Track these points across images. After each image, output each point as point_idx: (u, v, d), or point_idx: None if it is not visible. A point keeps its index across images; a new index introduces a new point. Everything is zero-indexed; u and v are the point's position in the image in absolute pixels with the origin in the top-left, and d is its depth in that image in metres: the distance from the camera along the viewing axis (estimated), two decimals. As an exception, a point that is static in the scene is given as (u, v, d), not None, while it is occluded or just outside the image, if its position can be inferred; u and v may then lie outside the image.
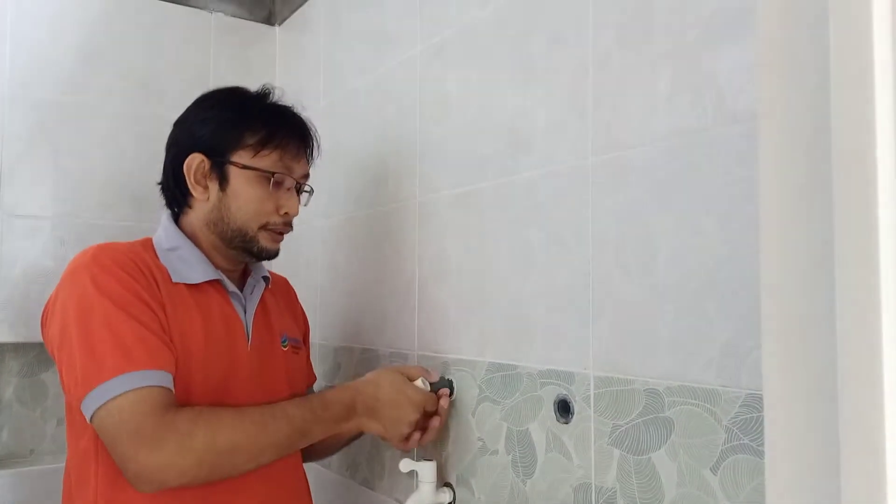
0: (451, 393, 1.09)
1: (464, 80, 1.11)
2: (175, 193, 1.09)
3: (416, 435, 1.07)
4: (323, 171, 1.56)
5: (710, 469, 0.72)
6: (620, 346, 0.82)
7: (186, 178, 1.05)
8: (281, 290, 1.24)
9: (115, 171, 1.60)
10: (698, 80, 0.75)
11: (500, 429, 1.00)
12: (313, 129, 1.13)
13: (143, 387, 0.87)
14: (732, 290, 0.71)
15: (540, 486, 0.92)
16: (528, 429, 0.95)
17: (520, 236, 0.98)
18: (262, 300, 1.13)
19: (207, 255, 1.06)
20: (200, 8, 1.74)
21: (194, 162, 1.04)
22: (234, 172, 1.04)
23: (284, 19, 1.81)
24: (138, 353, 0.89)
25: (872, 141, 0.36)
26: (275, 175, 1.05)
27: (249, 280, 1.13)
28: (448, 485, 1.10)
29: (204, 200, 1.05)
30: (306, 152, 1.11)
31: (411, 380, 1.06)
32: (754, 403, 0.68)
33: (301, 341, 1.21)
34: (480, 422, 1.04)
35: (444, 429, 1.11)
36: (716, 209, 0.73)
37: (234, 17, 1.79)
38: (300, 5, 1.72)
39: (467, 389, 1.07)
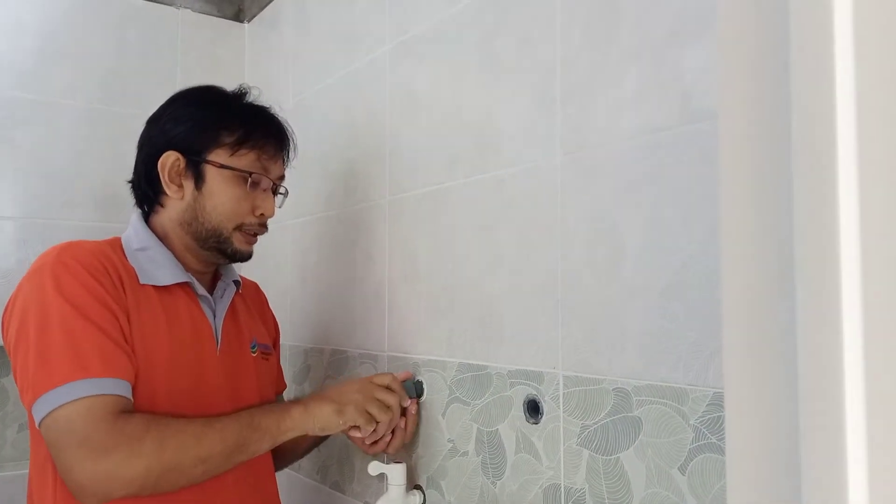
0: (421, 394, 1.08)
1: (433, 79, 1.10)
2: (147, 192, 1.06)
3: (387, 437, 1.06)
4: (292, 170, 1.54)
5: (679, 469, 0.72)
6: (589, 346, 0.82)
7: (160, 177, 1.02)
8: (251, 294, 1.22)
9: (78, 170, 1.57)
10: (664, 79, 0.75)
11: (470, 430, 0.99)
12: (290, 130, 1.11)
13: (95, 395, 0.84)
14: (700, 289, 0.71)
15: (510, 487, 0.92)
16: (497, 429, 0.94)
17: (489, 236, 0.98)
18: (231, 304, 1.10)
19: (178, 256, 1.04)
20: (167, 4, 1.71)
21: (169, 160, 1.01)
22: (210, 171, 1.01)
23: (253, 16, 1.78)
24: (93, 360, 0.86)
25: (833, 140, 0.36)
26: (252, 175, 1.03)
27: (220, 283, 1.10)
28: (418, 487, 1.09)
29: (178, 199, 1.03)
30: (283, 154, 1.10)
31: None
32: (721, 402, 0.68)
33: (271, 347, 1.19)
34: (450, 423, 1.03)
35: (415, 430, 1.10)
36: (682, 207, 0.73)
37: (202, 13, 1.76)
38: (269, 2, 1.69)
39: (437, 390, 1.06)
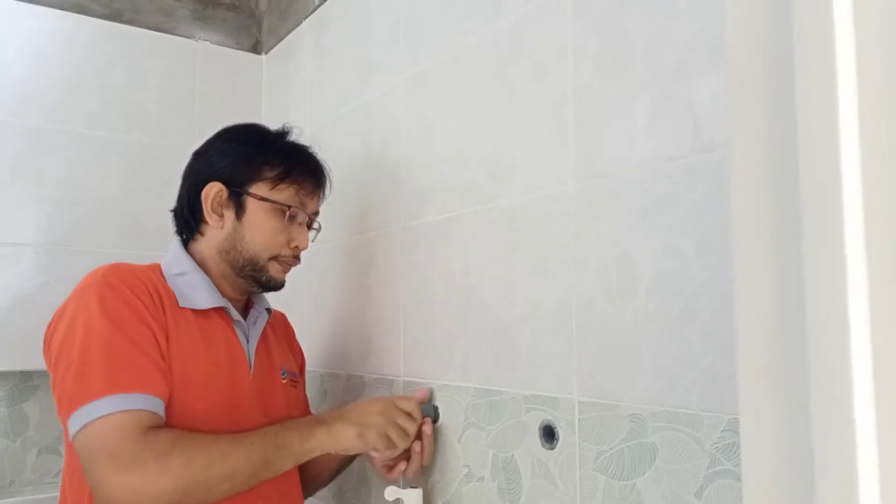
0: (436, 420, 1.09)
1: (446, 108, 1.13)
2: (189, 220, 1.10)
3: (402, 465, 1.06)
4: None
5: (695, 494, 0.72)
6: (604, 371, 0.83)
7: (203, 206, 1.06)
8: (280, 324, 1.25)
9: (99, 198, 1.60)
10: (676, 109, 0.77)
11: (486, 455, 1.00)
12: (328, 168, 1.16)
13: (127, 410, 0.87)
14: (714, 315, 0.72)
15: (526, 514, 0.92)
16: (513, 455, 0.95)
17: (503, 262, 0.99)
18: (263, 332, 1.14)
19: (215, 282, 1.08)
20: (186, 37, 1.75)
21: (212, 190, 1.06)
22: (251, 203, 1.06)
23: (271, 48, 1.82)
24: (129, 376, 0.89)
25: (838, 167, 0.37)
26: (290, 209, 1.07)
27: (252, 311, 1.14)
28: (434, 513, 1.09)
29: (218, 228, 1.07)
30: (320, 190, 1.15)
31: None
32: (737, 428, 0.68)
33: (298, 375, 1.22)
34: (466, 448, 1.04)
35: (433, 453, 1.10)
36: (695, 234, 0.74)
37: (221, 45, 1.80)
38: (286, 34, 1.73)
39: (453, 416, 1.07)
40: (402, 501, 1.07)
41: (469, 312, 1.05)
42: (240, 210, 1.06)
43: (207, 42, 1.78)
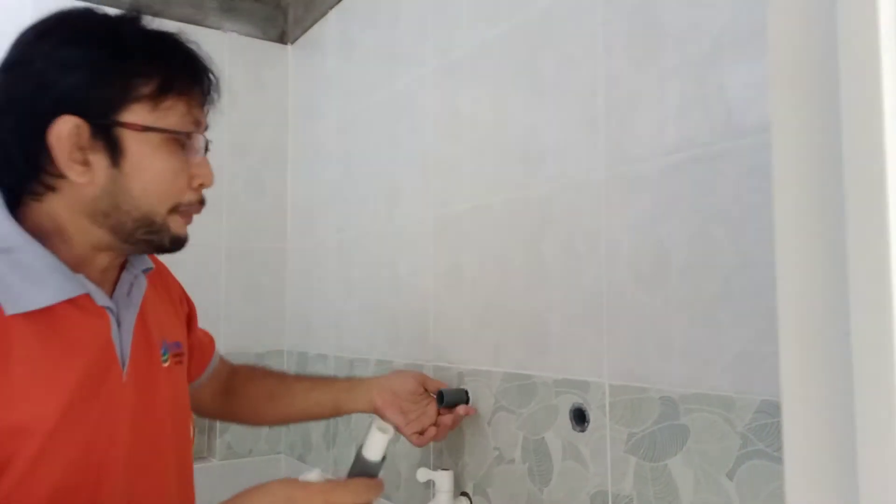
0: (467, 403, 1.11)
1: (475, 98, 1.14)
2: (22, 171, 0.72)
3: (432, 430, 1.07)
4: (337, 186, 1.58)
5: (727, 475, 0.73)
6: (635, 355, 0.84)
7: (55, 154, 0.69)
8: (157, 277, 0.90)
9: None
10: (707, 96, 0.77)
11: (516, 438, 1.01)
12: (210, 60, 0.81)
13: None
14: (745, 299, 0.73)
15: (556, 495, 0.94)
16: (543, 438, 0.96)
17: (534, 249, 1.00)
18: (141, 306, 0.81)
19: (73, 257, 0.73)
20: (214, 28, 1.77)
21: (65, 128, 0.69)
22: (129, 138, 0.72)
23: (297, 38, 1.84)
24: None
25: (881, 150, 0.38)
26: (187, 135, 0.76)
27: (124, 276, 0.80)
28: (465, 494, 1.11)
29: (85, 183, 0.71)
30: (210, 97, 0.81)
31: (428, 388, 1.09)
32: (769, 410, 0.69)
33: (182, 344, 0.89)
34: (496, 431, 1.06)
35: (461, 438, 1.12)
36: (727, 220, 0.75)
37: (248, 36, 1.82)
38: (312, 24, 1.75)
39: (483, 399, 1.08)
40: (434, 483, 1.09)
41: (500, 298, 1.07)
42: (115, 152, 0.71)
43: (235, 33, 1.80)
